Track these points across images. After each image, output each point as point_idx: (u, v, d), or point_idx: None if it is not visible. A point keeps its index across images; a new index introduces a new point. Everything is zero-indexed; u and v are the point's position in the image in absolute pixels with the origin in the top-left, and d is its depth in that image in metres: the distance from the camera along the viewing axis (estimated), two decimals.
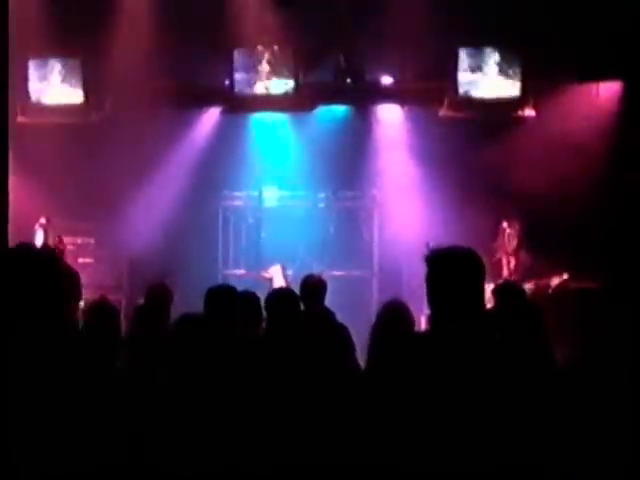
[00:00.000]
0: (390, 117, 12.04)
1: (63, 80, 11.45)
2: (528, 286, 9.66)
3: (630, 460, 4.06)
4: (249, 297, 6.08)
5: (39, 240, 10.35)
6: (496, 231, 10.31)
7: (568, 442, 3.78)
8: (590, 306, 10.07)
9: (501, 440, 3.20)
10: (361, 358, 6.06)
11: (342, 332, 6.46)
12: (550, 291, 9.71)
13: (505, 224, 10.22)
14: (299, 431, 4.06)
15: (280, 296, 6.05)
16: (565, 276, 9.80)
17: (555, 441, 3.46)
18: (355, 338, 6.45)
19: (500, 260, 10.18)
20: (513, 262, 10.12)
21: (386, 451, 3.22)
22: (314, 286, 7.40)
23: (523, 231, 10.16)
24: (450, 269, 3.46)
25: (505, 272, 10.10)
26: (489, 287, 9.71)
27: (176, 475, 3.44)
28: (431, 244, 3.56)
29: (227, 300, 5.57)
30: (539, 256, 10.11)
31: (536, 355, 4.72)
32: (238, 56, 11.39)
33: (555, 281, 9.78)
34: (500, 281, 9.59)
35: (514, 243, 10.09)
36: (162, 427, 3.40)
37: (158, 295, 6.99)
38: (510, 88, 10.94)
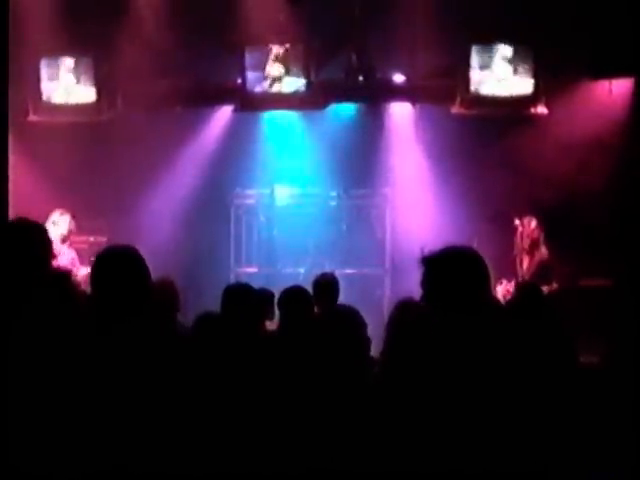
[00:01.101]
0: (402, 115, 12.01)
1: (75, 79, 11.44)
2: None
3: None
4: (265, 295, 6.09)
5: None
6: (510, 229, 10.26)
7: (576, 440, 3.76)
8: (602, 304, 10.06)
9: (508, 438, 3.19)
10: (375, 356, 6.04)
11: (359, 330, 6.42)
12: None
13: (517, 222, 10.17)
14: (313, 430, 4.05)
15: (293, 295, 6.05)
16: (555, 285, 9.71)
17: (563, 439, 3.44)
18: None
19: (515, 258, 10.13)
20: (527, 261, 10.06)
21: (401, 452, 3.20)
22: (327, 284, 7.40)
23: (541, 228, 10.07)
24: (448, 269, 3.42)
25: (519, 271, 10.05)
26: (506, 285, 9.73)
27: (187, 475, 3.43)
28: (425, 250, 3.51)
29: (244, 298, 5.56)
30: (551, 253, 10.07)
31: (550, 354, 4.70)
32: (250, 54, 11.37)
33: (544, 290, 9.69)
34: (519, 281, 9.60)
35: (527, 241, 10.02)
36: (173, 424, 3.40)
37: (165, 291, 6.95)
38: (522, 85, 10.90)
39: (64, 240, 10.01)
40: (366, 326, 6.20)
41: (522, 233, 10.08)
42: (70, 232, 10.12)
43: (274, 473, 3.66)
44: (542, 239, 10.04)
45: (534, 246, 10.01)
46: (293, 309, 5.83)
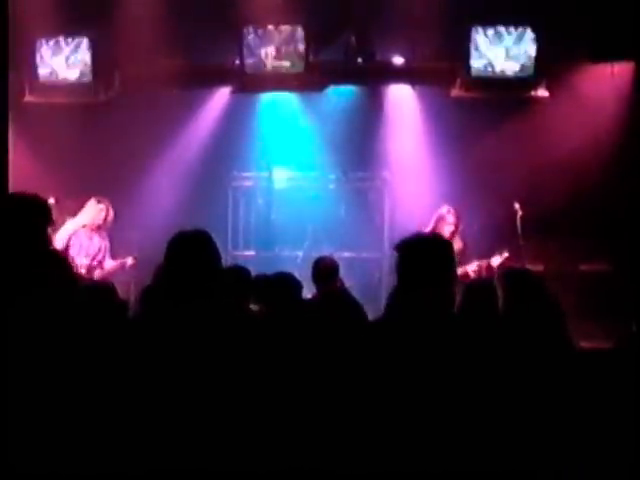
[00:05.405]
0: (401, 97, 11.96)
1: (72, 59, 11.36)
2: (472, 268, 9.35)
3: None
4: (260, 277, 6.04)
5: None
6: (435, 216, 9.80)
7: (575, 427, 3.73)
8: (602, 289, 10.03)
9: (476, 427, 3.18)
10: None
11: (358, 310, 6.40)
12: (495, 271, 9.33)
13: (445, 209, 9.72)
14: (300, 422, 4.00)
15: (277, 280, 5.97)
16: (505, 254, 9.47)
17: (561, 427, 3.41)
18: None
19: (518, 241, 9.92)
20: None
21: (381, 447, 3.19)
22: (326, 268, 7.37)
23: (459, 218, 9.64)
24: (418, 252, 3.70)
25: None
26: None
27: (177, 470, 3.38)
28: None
29: (240, 281, 5.52)
30: (549, 238, 10.01)
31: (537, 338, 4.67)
32: (248, 35, 11.28)
33: (496, 261, 9.48)
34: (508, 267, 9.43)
35: (450, 229, 9.56)
36: (167, 411, 3.35)
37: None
38: (523, 68, 10.82)
39: (98, 228, 9.70)
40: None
41: (448, 222, 9.63)
42: (104, 222, 9.76)
43: (254, 467, 3.62)
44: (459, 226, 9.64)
45: (455, 233, 9.58)
46: (278, 296, 5.75)
